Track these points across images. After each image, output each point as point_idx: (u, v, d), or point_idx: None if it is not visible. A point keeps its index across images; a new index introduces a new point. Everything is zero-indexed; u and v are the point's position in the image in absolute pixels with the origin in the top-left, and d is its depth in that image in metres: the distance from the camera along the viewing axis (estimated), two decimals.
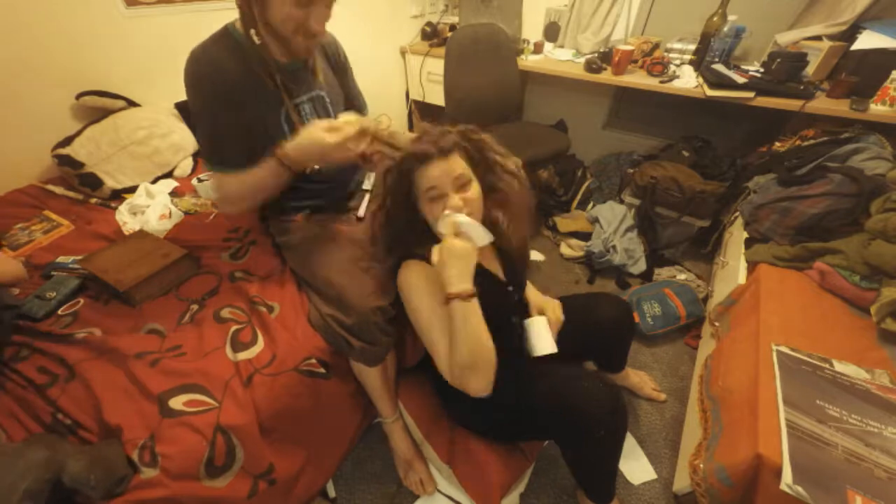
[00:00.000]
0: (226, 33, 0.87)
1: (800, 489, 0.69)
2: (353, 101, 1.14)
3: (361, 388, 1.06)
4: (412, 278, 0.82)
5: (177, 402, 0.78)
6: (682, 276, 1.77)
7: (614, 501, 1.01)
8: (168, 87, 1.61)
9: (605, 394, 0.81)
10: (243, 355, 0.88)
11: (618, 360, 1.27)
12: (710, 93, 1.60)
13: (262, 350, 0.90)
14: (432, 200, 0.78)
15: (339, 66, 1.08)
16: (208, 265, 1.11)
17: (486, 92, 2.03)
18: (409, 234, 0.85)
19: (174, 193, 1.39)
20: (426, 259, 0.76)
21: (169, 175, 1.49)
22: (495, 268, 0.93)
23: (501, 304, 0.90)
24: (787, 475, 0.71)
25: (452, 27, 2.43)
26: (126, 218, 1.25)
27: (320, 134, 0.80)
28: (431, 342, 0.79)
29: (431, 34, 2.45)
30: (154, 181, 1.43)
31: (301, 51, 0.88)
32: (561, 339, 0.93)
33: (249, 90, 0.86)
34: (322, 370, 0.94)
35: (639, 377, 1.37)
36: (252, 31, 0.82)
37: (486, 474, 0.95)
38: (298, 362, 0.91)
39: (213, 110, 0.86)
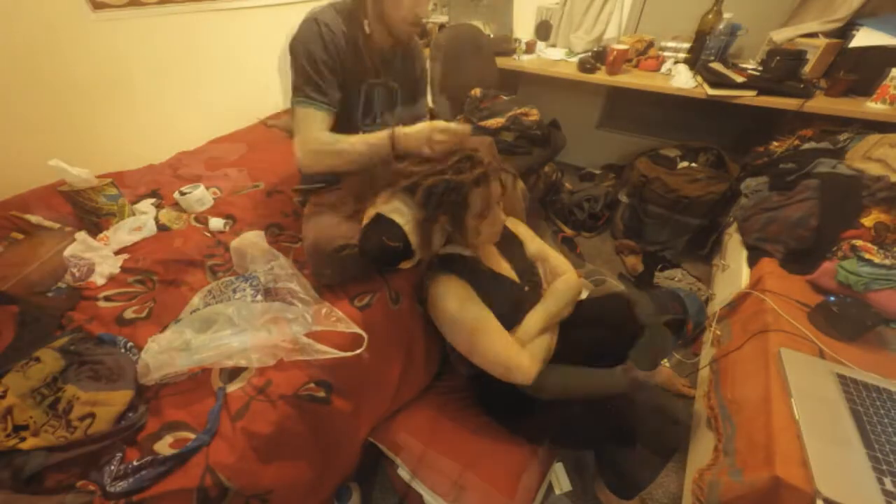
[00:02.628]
0: (345, 7, 0.99)
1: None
2: (415, 107, 1.22)
3: (362, 408, 1.01)
4: (454, 297, 0.88)
5: (162, 446, 0.71)
6: (678, 274, 1.73)
7: (636, 500, 1.01)
8: (141, 95, 1.53)
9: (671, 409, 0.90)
10: (232, 387, 0.80)
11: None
12: (712, 92, 1.58)
13: (254, 375, 0.82)
14: (482, 216, 0.86)
15: (418, 74, 1.19)
16: (187, 282, 1.03)
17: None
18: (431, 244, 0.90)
19: (157, 205, 1.30)
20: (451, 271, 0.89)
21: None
22: (507, 270, 1.00)
23: (521, 303, 0.97)
24: (818, 486, 0.68)
25: (442, 26, 2.37)
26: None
27: (442, 124, 0.90)
28: (488, 345, 0.86)
29: (420, 34, 2.38)
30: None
31: (404, 35, 1.02)
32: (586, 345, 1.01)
33: (350, 58, 0.99)
34: (322, 394, 0.87)
35: (668, 374, 1.36)
36: (365, 22, 0.97)
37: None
38: (297, 387, 0.83)
39: (318, 55, 0.94)
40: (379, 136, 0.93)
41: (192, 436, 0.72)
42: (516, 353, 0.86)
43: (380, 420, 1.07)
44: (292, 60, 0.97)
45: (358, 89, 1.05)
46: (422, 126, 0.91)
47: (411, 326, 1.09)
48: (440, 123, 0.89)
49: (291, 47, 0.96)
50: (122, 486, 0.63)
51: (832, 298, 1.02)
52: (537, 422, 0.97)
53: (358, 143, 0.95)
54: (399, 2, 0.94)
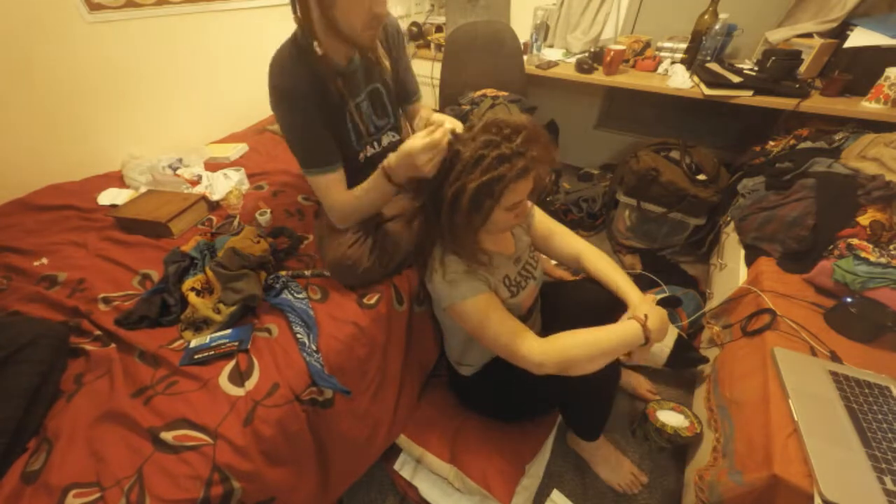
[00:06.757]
0: (294, 41, 0.90)
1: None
2: (405, 87, 1.12)
3: (372, 410, 1.02)
4: (458, 290, 0.85)
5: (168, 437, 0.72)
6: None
7: (601, 438, 1.10)
8: (138, 96, 1.52)
9: None
10: (240, 390, 0.81)
11: None
12: (708, 92, 1.59)
13: (260, 380, 0.83)
14: (510, 210, 0.79)
15: (394, 47, 1.06)
16: None
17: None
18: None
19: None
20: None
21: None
22: (508, 247, 1.00)
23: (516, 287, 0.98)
24: (822, 489, 0.68)
25: (439, 28, 2.37)
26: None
27: (419, 144, 0.77)
28: (511, 335, 0.82)
29: (417, 35, 2.38)
30: None
31: (367, 41, 0.89)
32: (551, 321, 1.08)
33: (318, 96, 0.91)
34: (324, 397, 0.88)
35: (634, 377, 1.36)
36: (315, 43, 0.84)
37: (492, 460, 1.02)
38: (300, 391, 0.84)
39: (296, 118, 0.90)
40: (374, 177, 0.91)
41: (196, 433, 0.73)
42: (521, 340, 0.82)
43: (388, 424, 1.07)
44: (281, 129, 0.95)
45: (343, 118, 0.98)
46: (401, 154, 0.80)
47: (411, 328, 1.09)
48: (416, 144, 0.76)
49: (277, 119, 0.93)
50: None
51: (849, 299, 0.99)
52: (518, 400, 1.04)
53: (362, 193, 0.94)
54: (353, 7, 0.81)
